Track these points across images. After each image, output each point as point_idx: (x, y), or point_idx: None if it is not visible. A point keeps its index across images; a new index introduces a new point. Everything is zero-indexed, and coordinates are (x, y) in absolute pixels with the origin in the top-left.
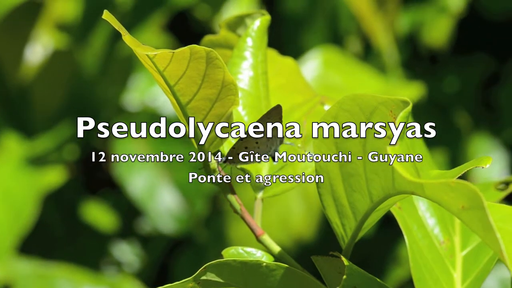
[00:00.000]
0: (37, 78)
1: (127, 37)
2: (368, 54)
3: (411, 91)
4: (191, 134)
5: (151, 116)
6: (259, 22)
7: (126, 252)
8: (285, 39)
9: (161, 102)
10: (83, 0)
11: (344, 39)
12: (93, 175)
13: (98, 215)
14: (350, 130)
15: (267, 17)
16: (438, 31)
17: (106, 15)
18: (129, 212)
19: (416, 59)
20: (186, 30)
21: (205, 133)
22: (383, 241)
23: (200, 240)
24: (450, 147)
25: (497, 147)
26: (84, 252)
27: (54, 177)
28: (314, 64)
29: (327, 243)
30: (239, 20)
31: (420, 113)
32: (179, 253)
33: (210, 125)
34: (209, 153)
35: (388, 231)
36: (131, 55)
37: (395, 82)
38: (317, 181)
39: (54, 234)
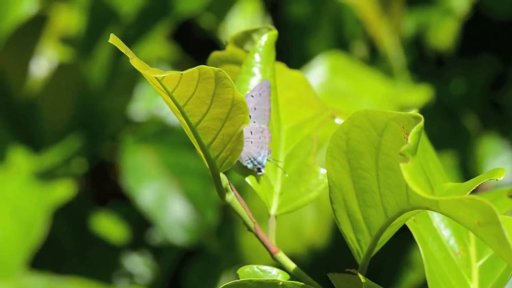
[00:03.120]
0: (43, 92)
1: (134, 60)
2: (374, 58)
3: (419, 95)
4: (202, 154)
5: (158, 125)
6: (266, 37)
7: (138, 264)
8: (291, 45)
9: (168, 111)
10: (87, 13)
11: (349, 44)
12: (101, 186)
13: (109, 227)
14: (362, 146)
15: (274, 32)
16: (443, 33)
17: (113, 39)
18: (139, 223)
19: (422, 61)
20: (191, 38)
21: (215, 152)
22: (396, 245)
23: (212, 250)
24: (459, 150)
25: (506, 149)
26: (95, 264)
27: (63, 191)
28: (320, 70)
29: (340, 250)
30: (246, 36)
31: (427, 116)
32: (191, 263)
33: (221, 144)
34: (221, 172)
35: (401, 235)
36: None
37: (402, 86)
38: (330, 197)
39: (65, 247)
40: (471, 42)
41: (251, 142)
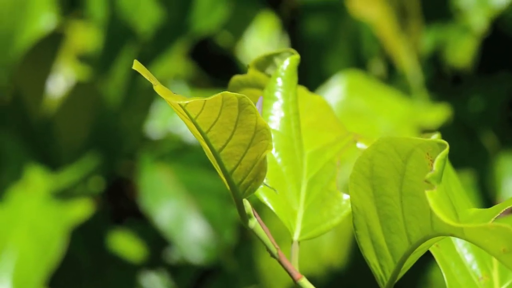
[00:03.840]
0: (60, 110)
1: (158, 87)
2: (392, 76)
3: (437, 114)
4: (225, 180)
5: (175, 143)
6: (289, 62)
7: (155, 283)
8: (308, 62)
9: (185, 129)
10: (104, 30)
11: (367, 62)
12: (118, 204)
13: (126, 245)
14: (387, 172)
15: (296, 56)
16: (461, 51)
17: (136, 65)
18: (156, 241)
19: (439, 79)
20: (207, 55)
21: (238, 178)
22: (415, 264)
23: (229, 269)
24: (477, 168)
25: None
26: (113, 283)
27: (80, 210)
28: (338, 89)
29: (358, 270)
30: (267, 60)
31: (445, 134)
32: (209, 282)
33: (244, 170)
34: (244, 199)
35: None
36: None
37: (420, 105)
38: (354, 223)
39: (82, 266)
40: (489, 60)
41: None
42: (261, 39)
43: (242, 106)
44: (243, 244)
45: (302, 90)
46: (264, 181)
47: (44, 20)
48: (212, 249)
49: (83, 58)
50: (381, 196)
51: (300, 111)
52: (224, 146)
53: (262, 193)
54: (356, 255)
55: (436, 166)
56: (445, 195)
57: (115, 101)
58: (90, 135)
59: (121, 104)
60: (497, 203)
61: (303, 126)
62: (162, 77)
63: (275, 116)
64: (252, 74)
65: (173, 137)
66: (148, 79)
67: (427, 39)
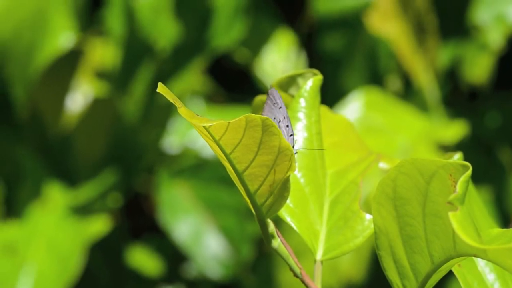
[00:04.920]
0: (79, 127)
1: (182, 109)
2: (409, 92)
3: (455, 130)
4: (248, 201)
5: (193, 159)
6: (312, 82)
7: None
8: (325, 78)
9: (202, 144)
10: (123, 47)
11: (384, 78)
12: (135, 219)
13: (144, 260)
14: (409, 193)
15: (319, 77)
16: (479, 68)
17: (161, 88)
18: (174, 256)
19: (456, 95)
20: (225, 72)
21: (262, 199)
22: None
23: (247, 285)
24: (494, 184)
25: None
26: None
27: (99, 225)
28: (356, 106)
29: (377, 287)
30: (290, 80)
31: (463, 150)
32: None
33: (267, 191)
34: (267, 219)
35: None
36: None
37: (438, 121)
38: (377, 243)
39: (101, 282)
40: (506, 76)
41: None
42: (278, 55)
43: (265, 128)
44: (261, 259)
45: (325, 110)
46: (287, 201)
47: (63, 37)
48: (229, 264)
49: (102, 75)
50: (403, 217)
51: (323, 131)
52: (247, 167)
53: (285, 213)
54: (375, 272)
55: (459, 187)
56: (467, 216)
57: (133, 117)
58: (108, 151)
59: (139, 120)
60: None
61: (326, 146)
62: (179, 93)
63: (298, 136)
64: None
65: (190, 153)
66: (172, 102)
67: (444, 56)
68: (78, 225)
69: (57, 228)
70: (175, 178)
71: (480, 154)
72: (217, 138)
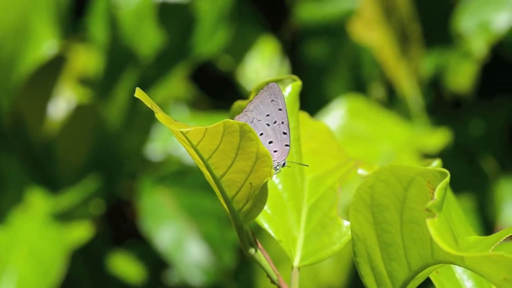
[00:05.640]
0: (61, 133)
1: (160, 115)
2: (392, 100)
3: (438, 138)
4: (226, 207)
5: (175, 165)
6: (290, 88)
7: None
8: (308, 86)
9: (184, 150)
10: (106, 54)
11: (367, 86)
12: (118, 225)
13: (126, 267)
14: (387, 200)
15: (298, 83)
16: (462, 76)
17: (138, 93)
18: (156, 263)
19: (440, 103)
20: (209, 78)
21: (239, 205)
22: None
23: None
24: (477, 192)
25: None
26: None
27: (81, 232)
28: (339, 113)
29: None
30: None
31: (445, 158)
32: None
33: (245, 197)
34: (245, 226)
35: None
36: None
37: (421, 129)
38: (354, 250)
39: None
40: (489, 85)
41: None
42: (262, 62)
43: (243, 134)
44: (243, 266)
45: (304, 116)
46: (265, 207)
47: (46, 44)
48: (211, 271)
49: (84, 81)
50: (381, 224)
51: (302, 137)
52: (225, 173)
53: (262, 219)
54: (355, 279)
55: (437, 194)
56: (445, 223)
57: (116, 123)
58: (91, 157)
59: (122, 127)
60: (497, 228)
61: (305, 152)
62: (163, 99)
63: None
64: None
65: (173, 159)
66: (150, 107)
67: (427, 64)
68: (60, 232)
69: (39, 234)
70: (158, 185)
71: (463, 162)
72: (194, 143)
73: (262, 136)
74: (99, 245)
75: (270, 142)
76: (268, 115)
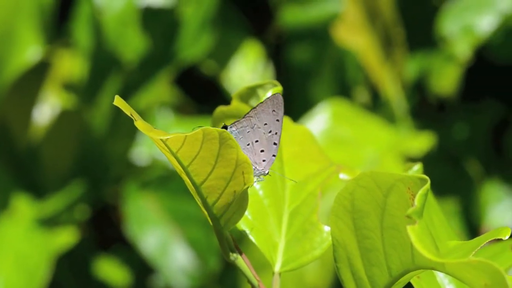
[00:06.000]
0: (46, 139)
1: (139, 123)
2: (376, 103)
3: (422, 142)
4: (206, 213)
5: (161, 170)
6: (271, 93)
7: None
8: (293, 90)
9: None
10: (90, 59)
11: (351, 89)
12: (103, 230)
13: (111, 272)
14: (367, 206)
15: (279, 88)
16: (446, 79)
17: (117, 100)
18: (142, 268)
19: (424, 107)
20: (193, 83)
21: (220, 212)
22: None
23: None
24: (461, 196)
25: (509, 195)
26: None
27: (66, 237)
28: (323, 117)
29: None
30: (251, 91)
31: (429, 161)
32: None
33: (225, 204)
34: (225, 232)
35: None
36: (139, 112)
37: (405, 132)
38: (334, 255)
39: None
40: (474, 88)
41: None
42: (246, 67)
43: (223, 141)
44: (228, 271)
45: (286, 120)
46: (246, 213)
47: (30, 50)
48: (197, 276)
49: (69, 87)
50: (361, 229)
51: (282, 142)
52: (205, 180)
53: (243, 225)
54: (340, 284)
55: (417, 201)
56: (426, 230)
57: (101, 128)
58: (76, 162)
59: (107, 132)
60: (481, 231)
61: (286, 157)
62: (148, 104)
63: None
64: (235, 105)
65: (158, 164)
66: (129, 115)
67: (411, 67)
68: (46, 237)
69: (24, 240)
70: (143, 190)
71: (448, 165)
72: (174, 150)
73: (257, 143)
74: (84, 250)
75: (262, 151)
76: (265, 124)
